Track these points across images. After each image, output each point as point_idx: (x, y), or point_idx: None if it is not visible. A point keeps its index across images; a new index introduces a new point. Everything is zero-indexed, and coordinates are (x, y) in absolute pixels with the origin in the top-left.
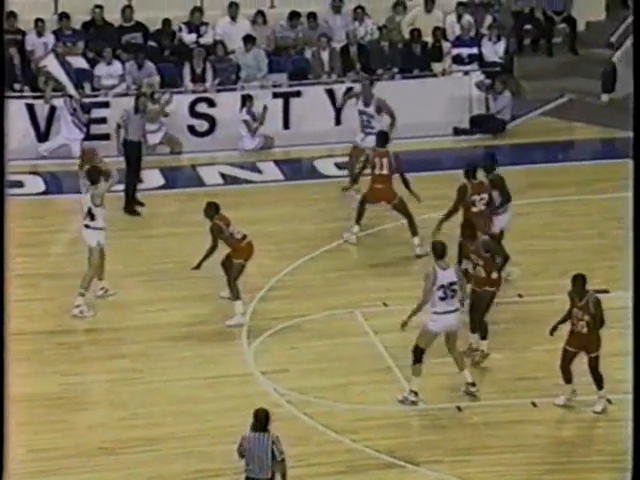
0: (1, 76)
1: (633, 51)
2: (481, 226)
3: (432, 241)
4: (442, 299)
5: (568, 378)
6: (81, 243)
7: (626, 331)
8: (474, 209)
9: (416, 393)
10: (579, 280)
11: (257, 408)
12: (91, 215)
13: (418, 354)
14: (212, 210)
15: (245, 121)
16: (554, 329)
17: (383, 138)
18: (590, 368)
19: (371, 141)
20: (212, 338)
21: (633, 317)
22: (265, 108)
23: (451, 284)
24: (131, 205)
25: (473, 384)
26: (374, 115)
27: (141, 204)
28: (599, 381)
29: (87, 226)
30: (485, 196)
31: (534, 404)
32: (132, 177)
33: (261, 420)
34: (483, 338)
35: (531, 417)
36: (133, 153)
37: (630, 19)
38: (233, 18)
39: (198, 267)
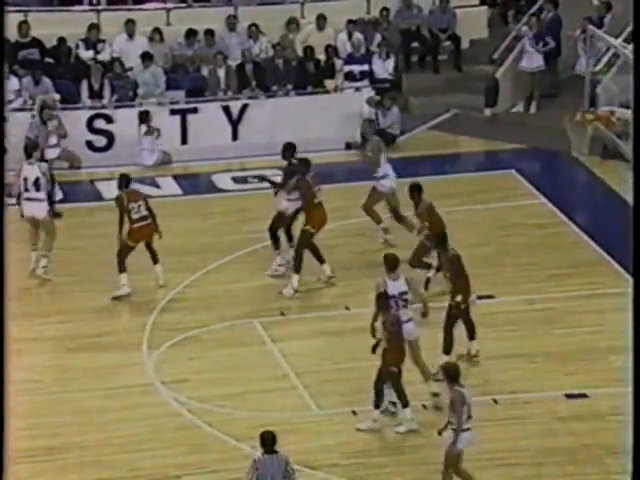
0: (1, 79)
1: (633, 52)
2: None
3: (384, 254)
4: (395, 310)
5: (379, 401)
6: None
7: (508, 334)
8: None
9: (435, 394)
10: (382, 298)
11: (263, 431)
12: (37, 185)
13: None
14: (122, 182)
15: (145, 135)
16: (374, 349)
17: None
18: (376, 379)
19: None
20: (112, 349)
21: (633, 316)
22: (159, 132)
23: (402, 294)
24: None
25: (436, 394)
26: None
27: None
28: (377, 396)
29: (32, 199)
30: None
31: (424, 406)
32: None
33: (269, 442)
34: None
35: (421, 419)
36: None
37: (510, 37)
38: (130, 35)
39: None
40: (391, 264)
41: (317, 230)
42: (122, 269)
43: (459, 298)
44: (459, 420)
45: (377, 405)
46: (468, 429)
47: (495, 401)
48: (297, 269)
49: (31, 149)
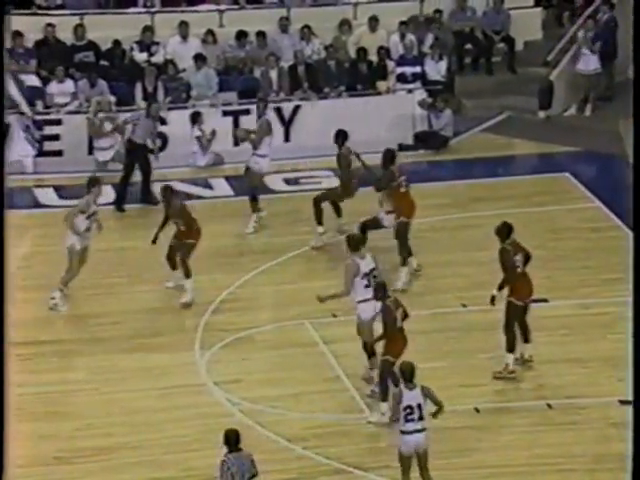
0: (1, 79)
1: (633, 53)
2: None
3: (347, 235)
4: (367, 287)
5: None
6: (36, 256)
7: (562, 339)
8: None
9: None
10: (380, 288)
11: (226, 429)
12: (67, 217)
13: (369, 350)
14: (168, 193)
15: (198, 137)
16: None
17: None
18: (380, 371)
19: None
20: (165, 349)
21: (633, 318)
22: (213, 133)
23: (372, 270)
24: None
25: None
26: None
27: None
28: (383, 389)
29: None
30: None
31: (477, 410)
32: (128, 175)
33: (233, 440)
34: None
35: (474, 423)
36: (138, 154)
37: (565, 39)
38: (184, 37)
39: (155, 242)
40: (354, 243)
41: (410, 218)
42: (189, 274)
43: (507, 292)
44: (393, 416)
45: (383, 399)
46: (412, 432)
47: (549, 406)
48: (404, 262)
49: (89, 184)
